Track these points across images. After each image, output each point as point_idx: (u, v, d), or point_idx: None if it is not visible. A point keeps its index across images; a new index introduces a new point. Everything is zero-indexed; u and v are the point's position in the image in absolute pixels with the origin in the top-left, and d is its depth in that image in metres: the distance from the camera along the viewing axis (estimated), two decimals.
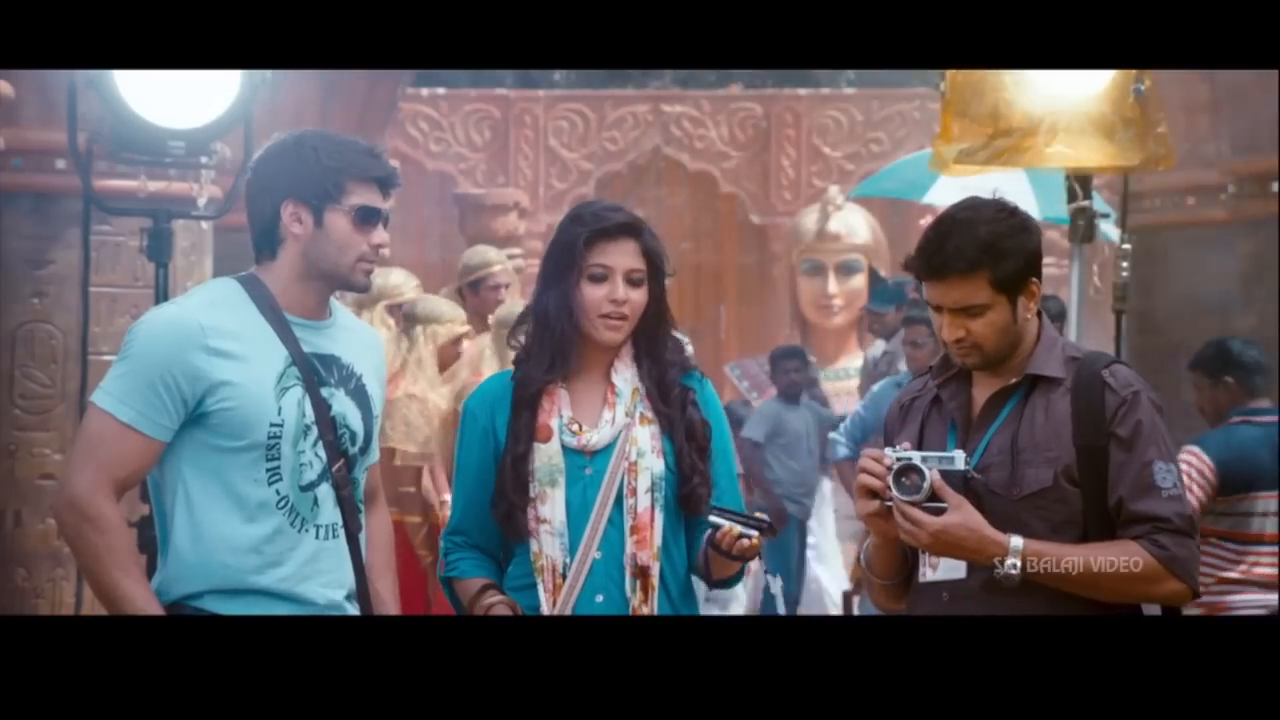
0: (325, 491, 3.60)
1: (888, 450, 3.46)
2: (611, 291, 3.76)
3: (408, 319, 7.04)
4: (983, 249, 3.48)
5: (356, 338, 3.76)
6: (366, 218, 3.60)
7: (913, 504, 3.39)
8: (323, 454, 3.59)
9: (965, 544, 3.38)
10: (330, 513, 3.61)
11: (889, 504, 3.43)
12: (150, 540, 3.69)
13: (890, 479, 3.42)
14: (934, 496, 3.39)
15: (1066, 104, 5.52)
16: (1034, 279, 3.52)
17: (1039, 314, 3.56)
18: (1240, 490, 5.94)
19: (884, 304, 9.43)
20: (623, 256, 3.78)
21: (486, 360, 6.80)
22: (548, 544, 3.74)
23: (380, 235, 3.63)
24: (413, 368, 6.86)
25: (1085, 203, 5.77)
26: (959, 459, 3.42)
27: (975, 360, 3.53)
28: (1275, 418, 6.04)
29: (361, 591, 3.66)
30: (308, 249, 3.60)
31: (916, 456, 3.43)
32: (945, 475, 3.40)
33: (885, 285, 10.11)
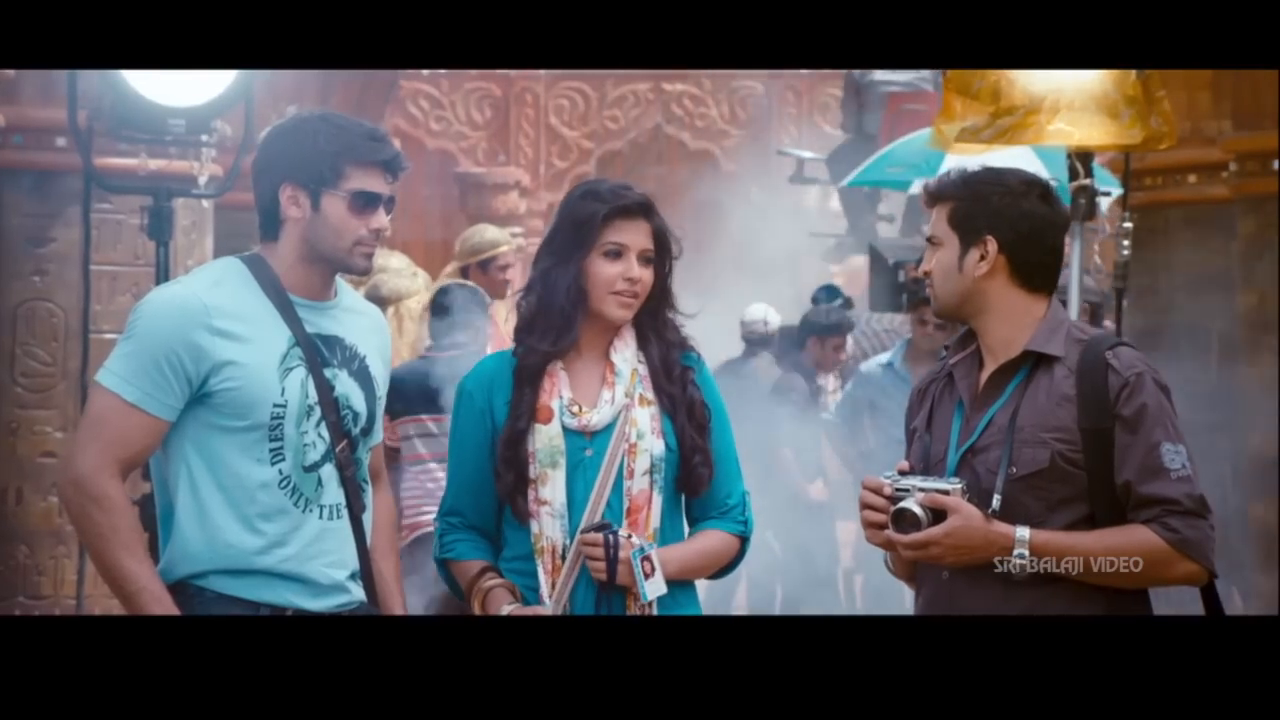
0: (329, 472, 3.60)
1: (885, 477, 3.47)
2: (626, 269, 3.76)
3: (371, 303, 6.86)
4: (959, 183, 3.51)
5: (361, 319, 3.75)
6: (364, 203, 3.58)
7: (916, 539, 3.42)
8: (326, 435, 3.59)
9: (973, 542, 3.38)
10: (334, 493, 3.60)
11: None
12: (151, 518, 3.69)
13: (890, 523, 3.44)
14: (935, 514, 3.41)
15: (1069, 82, 5.51)
16: (992, 238, 3.47)
17: (1048, 295, 3.53)
18: (397, 415, 6.22)
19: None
20: (638, 235, 3.78)
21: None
22: (548, 526, 3.73)
23: (379, 220, 3.60)
24: None
25: (1087, 181, 5.76)
26: (955, 491, 3.42)
27: (933, 303, 3.58)
28: (450, 353, 6.29)
29: (365, 572, 3.66)
30: (306, 232, 3.59)
31: (913, 486, 3.44)
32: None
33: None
